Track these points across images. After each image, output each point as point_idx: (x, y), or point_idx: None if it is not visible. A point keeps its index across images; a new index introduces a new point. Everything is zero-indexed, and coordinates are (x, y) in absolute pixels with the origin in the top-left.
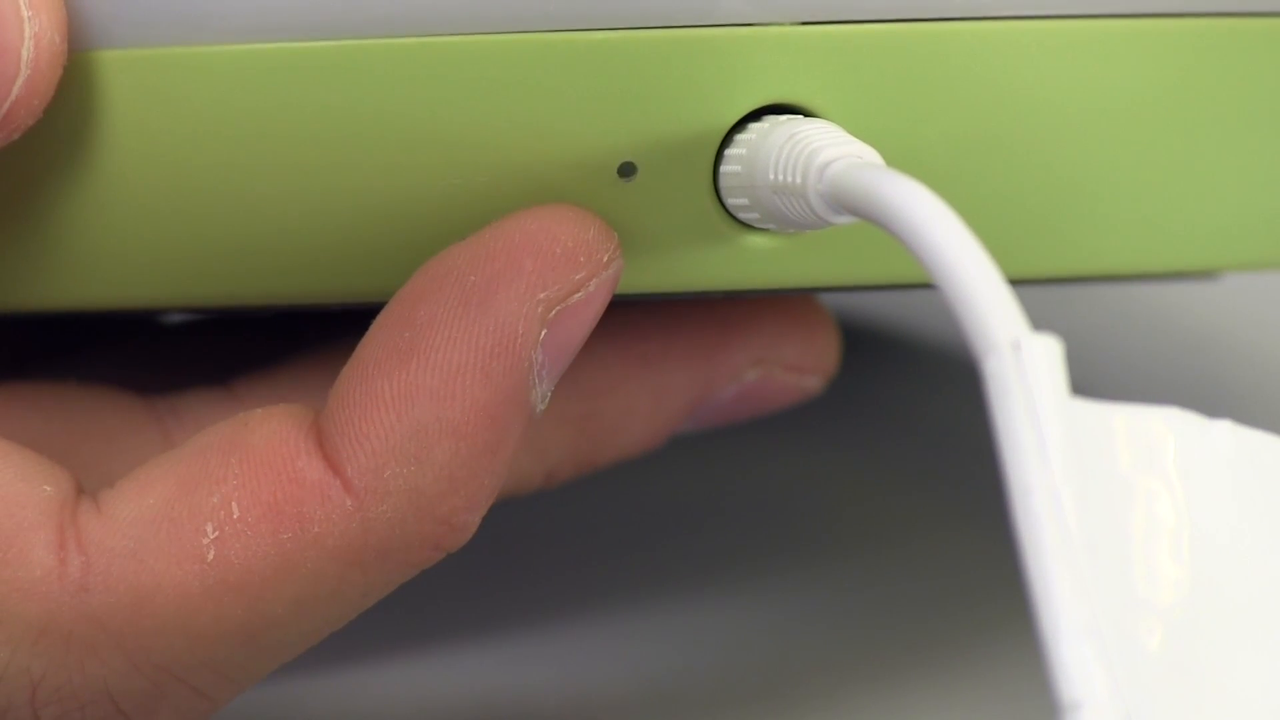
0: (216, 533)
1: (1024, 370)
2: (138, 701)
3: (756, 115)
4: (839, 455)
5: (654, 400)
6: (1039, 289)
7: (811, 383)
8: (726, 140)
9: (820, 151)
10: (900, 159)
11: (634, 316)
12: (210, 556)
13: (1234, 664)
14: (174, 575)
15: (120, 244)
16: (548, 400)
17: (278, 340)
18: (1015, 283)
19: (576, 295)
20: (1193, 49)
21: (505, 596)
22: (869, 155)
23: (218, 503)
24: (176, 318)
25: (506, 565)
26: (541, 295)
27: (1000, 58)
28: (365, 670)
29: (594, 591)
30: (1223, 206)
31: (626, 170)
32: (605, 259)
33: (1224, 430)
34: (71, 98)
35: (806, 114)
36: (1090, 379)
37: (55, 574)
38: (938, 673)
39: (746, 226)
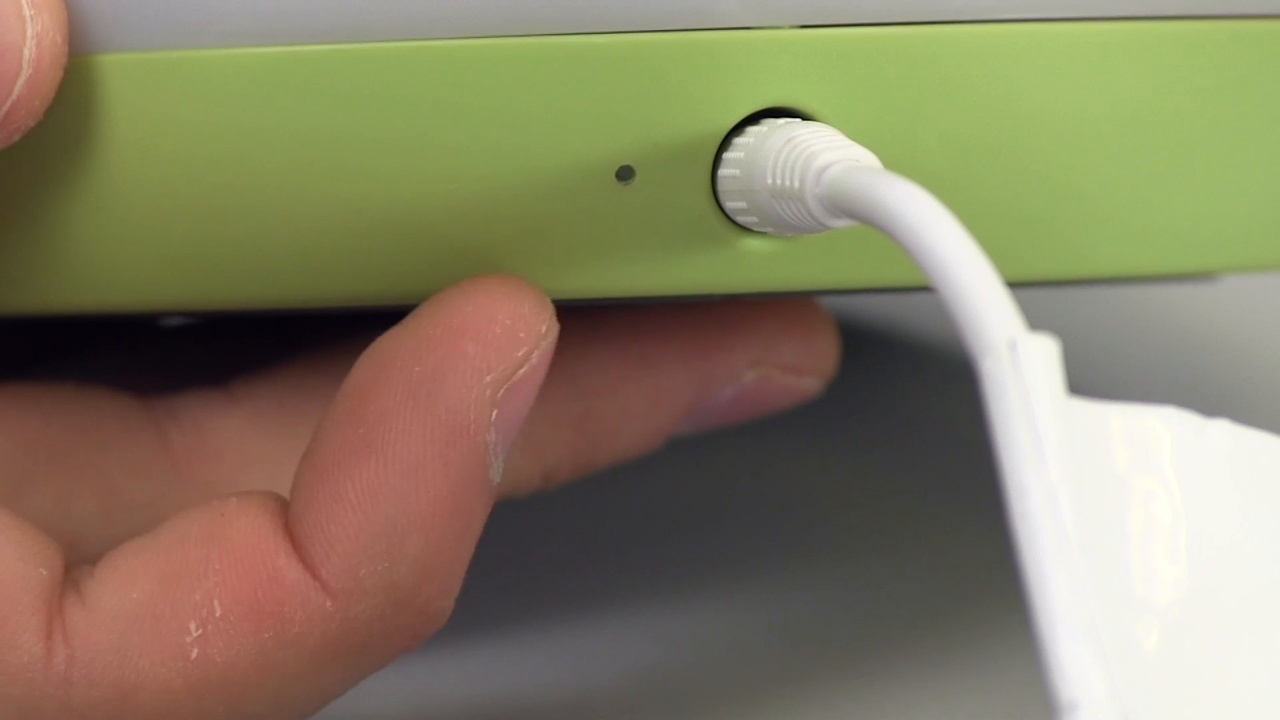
0: (200, 631)
1: (1020, 370)
2: None
3: (754, 119)
4: (839, 455)
5: (652, 401)
6: (1037, 290)
7: (810, 384)
8: (724, 144)
9: (818, 155)
10: (898, 162)
11: (632, 318)
12: (194, 655)
13: (1231, 664)
14: (158, 673)
15: (119, 247)
16: (501, 471)
17: (275, 342)
18: (1013, 285)
19: (521, 371)
20: (1190, 51)
21: (505, 596)
22: (866, 159)
23: (200, 600)
24: (175, 320)
25: (506, 565)
26: (488, 378)
27: (998, 61)
28: None
29: (594, 591)
30: (1221, 209)
31: (624, 174)
32: (543, 329)
33: (1221, 429)
34: (72, 101)
35: (804, 117)
36: (1089, 379)
37: (42, 663)
38: (936, 673)
39: (744, 230)
